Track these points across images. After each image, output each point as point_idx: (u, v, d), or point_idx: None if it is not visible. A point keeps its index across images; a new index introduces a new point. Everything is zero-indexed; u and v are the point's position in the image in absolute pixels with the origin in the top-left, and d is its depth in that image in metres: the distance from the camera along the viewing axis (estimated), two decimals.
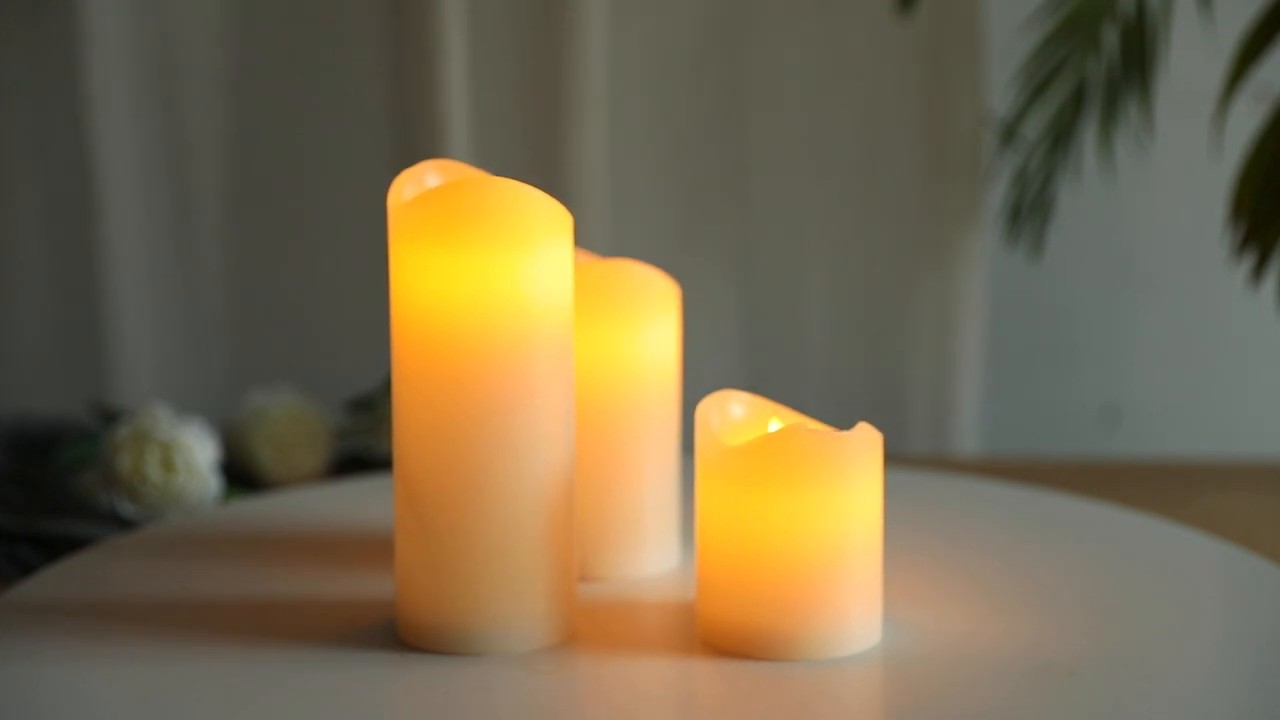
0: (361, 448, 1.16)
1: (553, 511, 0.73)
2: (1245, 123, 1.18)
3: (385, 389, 1.14)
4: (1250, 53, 1.05)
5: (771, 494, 0.71)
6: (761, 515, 0.71)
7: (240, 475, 1.12)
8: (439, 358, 0.71)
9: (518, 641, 0.73)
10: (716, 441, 0.72)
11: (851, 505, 0.71)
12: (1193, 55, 1.23)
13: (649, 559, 0.82)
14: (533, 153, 1.29)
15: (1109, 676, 0.71)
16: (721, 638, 0.73)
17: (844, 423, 1.31)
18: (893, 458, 1.23)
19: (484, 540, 0.72)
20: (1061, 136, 1.19)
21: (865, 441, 0.72)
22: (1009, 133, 1.21)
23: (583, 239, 1.26)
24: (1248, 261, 1.08)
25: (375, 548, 0.86)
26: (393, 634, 0.75)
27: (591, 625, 0.76)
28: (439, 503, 0.72)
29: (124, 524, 1.00)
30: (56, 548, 0.98)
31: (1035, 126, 1.20)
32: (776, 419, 0.74)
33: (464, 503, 0.72)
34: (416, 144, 1.29)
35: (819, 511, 0.71)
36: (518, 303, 0.71)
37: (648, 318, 0.81)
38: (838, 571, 0.71)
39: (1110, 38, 1.16)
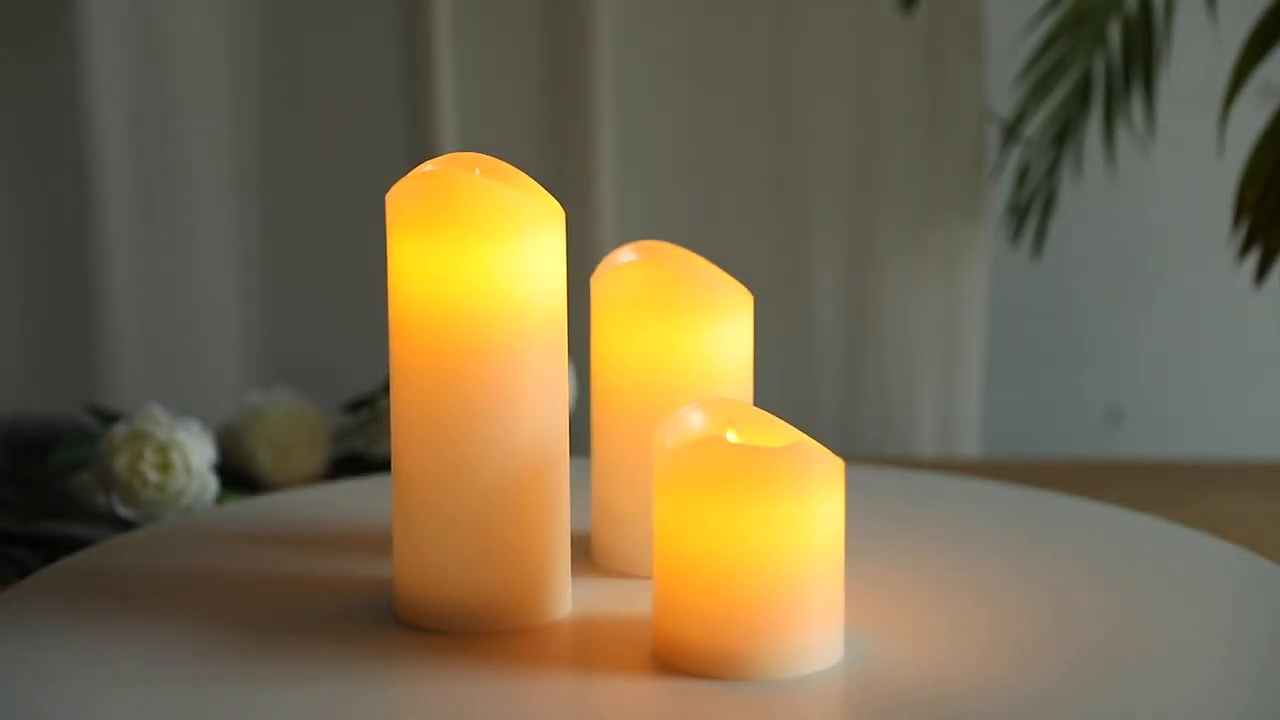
0: (360, 448, 1.16)
1: (544, 498, 0.75)
2: (1250, 121, 1.17)
3: (384, 389, 1.14)
4: (1255, 50, 1.04)
5: (695, 503, 0.69)
6: (695, 526, 0.69)
7: (238, 476, 1.11)
8: (431, 347, 0.73)
9: (509, 620, 0.75)
10: (660, 449, 0.71)
11: (785, 519, 0.69)
12: (1197, 52, 1.23)
13: None
14: (541, 151, 1.28)
15: (1109, 678, 0.71)
16: (671, 654, 0.72)
17: (847, 426, 1.32)
18: (896, 460, 1.23)
19: (476, 523, 0.74)
20: (1064, 134, 1.18)
21: (799, 457, 0.69)
22: (1011, 130, 1.20)
23: (586, 236, 1.26)
24: (1251, 261, 1.07)
25: (374, 545, 0.86)
26: (391, 615, 0.77)
27: (566, 634, 0.76)
28: (433, 485, 0.74)
29: (122, 525, 1.00)
30: (54, 549, 0.98)
31: (1038, 124, 1.20)
32: (734, 431, 0.72)
33: (456, 486, 0.74)
34: (418, 144, 1.28)
35: (749, 524, 0.69)
36: (507, 293, 0.73)
37: (721, 321, 0.80)
38: (785, 588, 0.69)
39: (1114, 34, 1.16)
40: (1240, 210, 1.06)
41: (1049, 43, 1.17)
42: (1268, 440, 1.34)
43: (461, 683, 0.71)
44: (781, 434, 0.72)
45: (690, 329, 0.80)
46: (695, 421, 0.72)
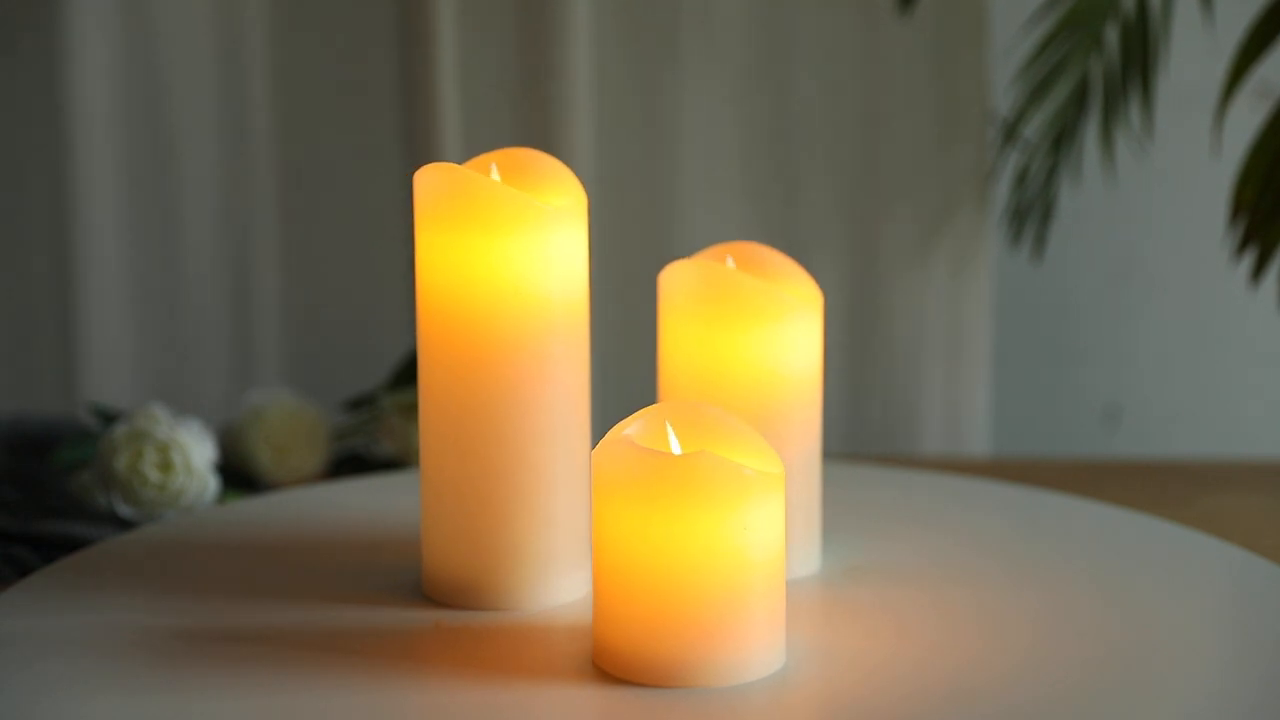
0: (360, 448, 1.16)
1: (565, 483, 0.77)
2: (1246, 121, 1.18)
3: (384, 389, 1.14)
4: (1251, 51, 1.04)
5: (614, 507, 0.69)
6: (615, 529, 0.69)
7: (238, 476, 1.11)
8: (455, 336, 0.76)
9: (530, 600, 0.78)
10: (599, 454, 0.71)
11: (688, 526, 0.68)
12: (1193, 54, 1.23)
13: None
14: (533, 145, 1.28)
15: (1106, 680, 0.71)
16: (602, 660, 0.71)
17: (853, 426, 1.32)
18: (901, 459, 1.23)
19: (500, 507, 0.77)
20: (1063, 136, 1.18)
21: (696, 465, 0.68)
22: (1011, 132, 1.20)
23: None
24: (1248, 260, 1.07)
25: (375, 543, 0.86)
26: (390, 605, 0.78)
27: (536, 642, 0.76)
28: (455, 471, 0.77)
29: (122, 524, 1.00)
30: (54, 549, 0.98)
31: (1037, 126, 1.20)
32: (675, 435, 0.71)
33: (475, 473, 0.77)
34: (416, 143, 1.28)
35: (658, 529, 0.68)
36: (528, 287, 0.75)
37: (780, 324, 0.80)
38: (706, 596, 0.68)
39: (1111, 36, 1.16)
40: (1236, 209, 1.06)
41: (1045, 46, 1.17)
42: (1268, 440, 1.34)
43: (404, 686, 0.70)
44: (727, 442, 0.71)
45: (749, 331, 0.80)
46: (635, 425, 0.71)
